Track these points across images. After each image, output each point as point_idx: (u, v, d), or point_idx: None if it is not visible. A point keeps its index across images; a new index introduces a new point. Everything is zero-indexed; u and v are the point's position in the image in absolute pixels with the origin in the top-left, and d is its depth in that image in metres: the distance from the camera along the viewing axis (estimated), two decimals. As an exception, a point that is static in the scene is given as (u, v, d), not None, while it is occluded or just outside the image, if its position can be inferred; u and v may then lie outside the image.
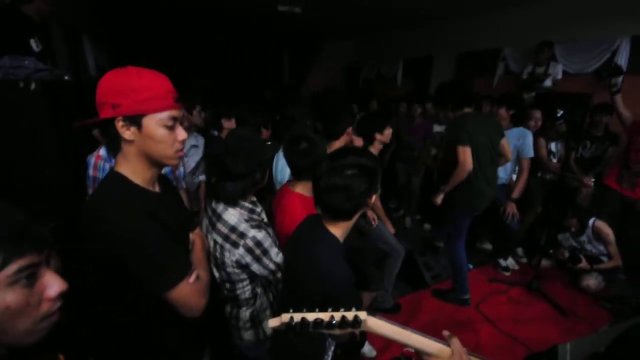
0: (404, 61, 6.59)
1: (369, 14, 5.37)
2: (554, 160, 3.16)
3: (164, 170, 1.80)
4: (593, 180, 3.05)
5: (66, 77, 1.66)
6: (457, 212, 2.34)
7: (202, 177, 2.29)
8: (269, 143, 1.29)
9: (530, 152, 2.72)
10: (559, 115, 3.05)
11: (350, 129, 1.97)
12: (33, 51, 1.73)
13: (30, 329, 0.49)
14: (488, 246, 3.48)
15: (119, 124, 0.79)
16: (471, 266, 3.11)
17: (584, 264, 2.60)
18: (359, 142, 2.25)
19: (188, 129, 2.12)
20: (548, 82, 3.81)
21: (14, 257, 0.45)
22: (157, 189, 0.93)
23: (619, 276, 2.83)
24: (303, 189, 1.44)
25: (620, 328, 0.49)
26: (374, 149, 2.16)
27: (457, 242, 2.39)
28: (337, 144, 1.92)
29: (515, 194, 2.73)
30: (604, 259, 2.65)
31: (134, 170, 0.85)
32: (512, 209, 2.72)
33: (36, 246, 0.49)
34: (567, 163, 3.17)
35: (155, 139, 0.82)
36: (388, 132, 2.14)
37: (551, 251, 2.92)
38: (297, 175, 1.46)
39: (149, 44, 7.58)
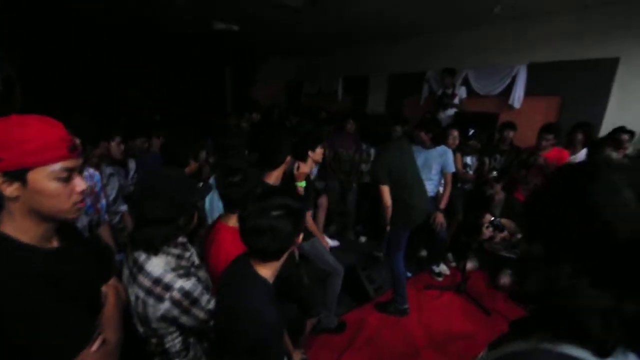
0: (344, 79, 6.92)
1: (307, 37, 5.56)
2: (470, 172, 3.58)
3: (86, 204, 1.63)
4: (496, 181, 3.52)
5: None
6: (395, 229, 2.51)
7: (123, 207, 2.12)
8: (202, 184, 1.25)
9: (452, 167, 3.05)
10: (470, 134, 3.48)
11: (289, 158, 1.97)
12: None
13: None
14: (424, 253, 3.77)
15: None
16: (410, 274, 3.32)
17: (505, 233, 2.95)
18: (305, 167, 2.25)
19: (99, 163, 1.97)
20: (456, 101, 4.39)
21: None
22: (54, 243, 0.84)
23: None
24: (237, 223, 1.41)
25: (495, 355, 0.57)
26: (307, 167, 2.19)
27: (396, 255, 2.56)
28: (276, 173, 1.90)
29: (442, 204, 3.03)
30: None
31: (21, 228, 0.76)
32: (440, 218, 3.00)
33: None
34: (482, 174, 3.61)
35: (46, 193, 0.75)
36: (320, 150, 2.19)
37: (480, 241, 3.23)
38: (231, 208, 1.43)
39: (72, 57, 6.85)
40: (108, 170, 2.02)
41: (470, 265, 3.28)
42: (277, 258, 1.03)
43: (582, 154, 3.10)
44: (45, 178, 0.74)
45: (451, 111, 4.55)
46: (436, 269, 3.27)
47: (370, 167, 2.68)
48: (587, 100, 3.48)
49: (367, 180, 4.11)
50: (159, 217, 1.09)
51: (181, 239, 1.25)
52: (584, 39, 3.45)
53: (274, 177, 1.87)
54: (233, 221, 1.41)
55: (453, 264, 3.52)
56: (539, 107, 3.94)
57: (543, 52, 3.79)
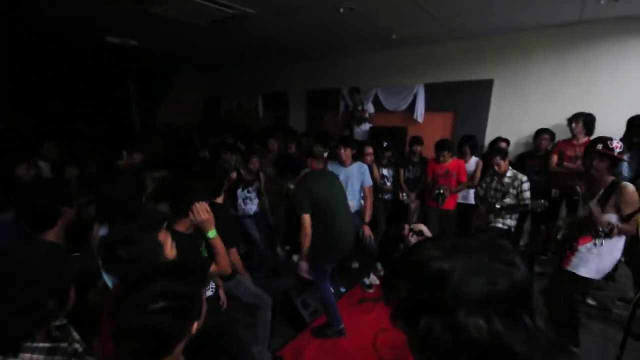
0: (263, 95, 6.82)
1: (216, 53, 5.31)
2: (388, 183, 3.83)
3: None
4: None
5: None
6: (321, 263, 2.48)
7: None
8: (77, 254, 1.00)
9: (369, 181, 3.19)
10: (384, 145, 3.74)
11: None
12: None
13: None
14: (355, 265, 3.86)
15: None
16: (343, 289, 3.36)
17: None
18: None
19: None
20: (367, 115, 4.77)
21: None
22: None
23: None
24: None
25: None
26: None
27: (322, 284, 2.53)
28: (184, 223, 1.68)
29: (367, 218, 3.15)
30: None
31: None
32: (367, 231, 3.10)
33: None
34: (399, 184, 3.90)
35: None
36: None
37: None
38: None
39: None
40: None
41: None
42: (171, 354, 0.81)
43: (472, 162, 3.61)
44: None
45: (366, 126, 4.86)
46: (367, 281, 3.36)
47: (291, 196, 2.60)
48: (473, 115, 4.09)
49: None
50: (15, 311, 0.83)
51: (59, 323, 0.98)
52: (467, 63, 4.06)
53: (185, 225, 1.66)
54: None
55: (382, 273, 3.68)
56: (439, 121, 4.47)
57: (436, 73, 4.33)
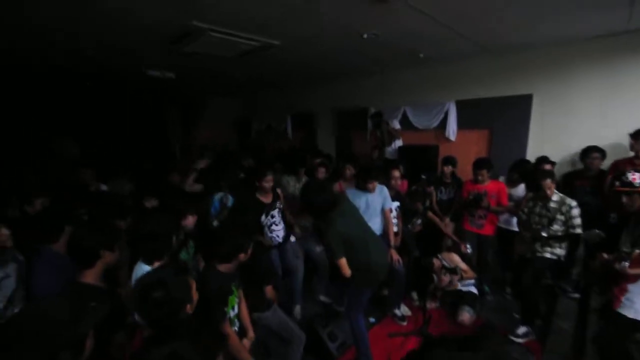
0: (291, 116, 6.95)
1: (246, 80, 5.52)
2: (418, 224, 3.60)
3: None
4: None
5: None
6: (358, 288, 2.37)
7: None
8: (93, 305, 1.02)
9: (390, 204, 3.04)
10: (423, 177, 3.62)
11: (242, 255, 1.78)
12: None
13: None
14: (385, 292, 3.68)
15: None
16: (373, 320, 3.19)
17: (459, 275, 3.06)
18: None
19: None
20: (398, 143, 4.64)
21: None
22: None
23: (487, 297, 3.38)
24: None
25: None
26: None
27: (357, 314, 2.41)
28: (225, 267, 1.74)
29: (393, 241, 3.01)
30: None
31: None
32: (395, 255, 2.94)
33: None
34: (431, 206, 3.71)
35: None
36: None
37: (439, 294, 3.25)
38: (154, 327, 1.19)
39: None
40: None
41: (431, 304, 3.25)
42: None
43: (521, 188, 3.33)
44: None
45: (397, 144, 4.73)
46: (398, 313, 3.17)
47: (325, 241, 2.45)
48: (511, 132, 3.82)
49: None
50: None
51: None
52: (502, 77, 3.84)
53: (226, 267, 1.73)
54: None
55: (417, 303, 3.47)
56: (473, 139, 4.23)
57: (469, 89, 4.14)
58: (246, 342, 1.85)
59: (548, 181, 2.67)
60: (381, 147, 4.80)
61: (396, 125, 4.76)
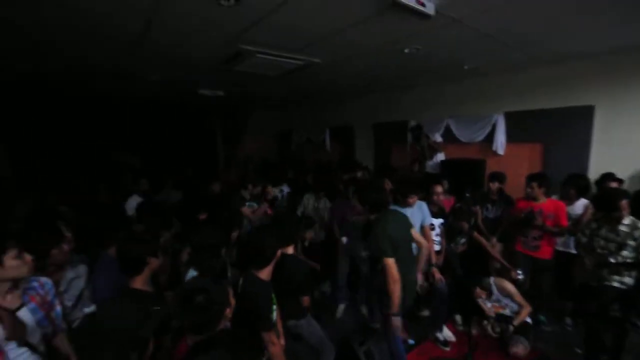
0: (330, 129, 7.05)
1: (290, 94, 5.74)
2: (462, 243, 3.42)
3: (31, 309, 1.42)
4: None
5: None
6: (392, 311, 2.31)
7: (87, 309, 1.91)
8: (156, 309, 1.11)
9: (429, 220, 2.92)
10: (467, 195, 3.45)
11: (279, 253, 1.89)
12: None
13: None
14: (426, 313, 3.50)
15: None
16: (412, 341, 3.05)
17: (510, 331, 2.74)
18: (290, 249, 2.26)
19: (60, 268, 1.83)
20: (441, 156, 4.48)
21: None
22: None
23: (543, 328, 3.08)
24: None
25: None
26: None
27: (394, 337, 2.33)
28: (268, 269, 1.84)
29: (434, 259, 2.87)
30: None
31: None
32: (437, 274, 2.80)
33: None
34: (477, 224, 3.49)
35: None
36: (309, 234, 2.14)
37: (484, 322, 3.01)
38: (195, 331, 1.27)
39: (67, 130, 7.22)
40: (70, 275, 1.86)
41: (477, 329, 3.02)
42: None
43: (579, 204, 3.03)
44: None
45: (438, 157, 4.57)
46: (440, 337, 2.99)
47: (371, 240, 2.42)
48: (568, 146, 3.51)
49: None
50: None
51: None
52: (557, 88, 3.56)
53: (265, 274, 1.83)
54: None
55: (461, 327, 3.25)
56: (524, 153, 3.95)
57: (519, 101, 3.90)
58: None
59: (624, 202, 2.37)
60: (422, 160, 4.67)
61: (438, 138, 4.60)
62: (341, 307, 3.57)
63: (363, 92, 5.67)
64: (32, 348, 1.41)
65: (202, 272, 1.81)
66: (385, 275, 2.13)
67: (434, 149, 4.55)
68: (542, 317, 3.13)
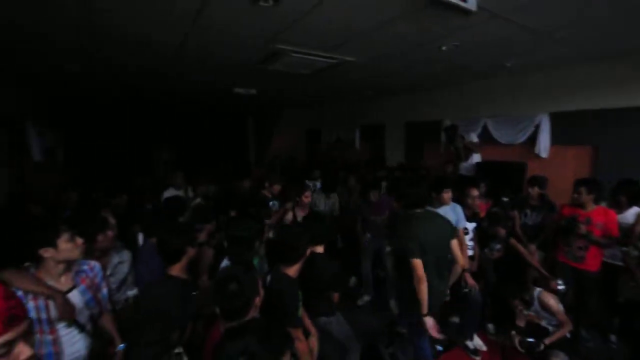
0: (361, 127, 6.99)
1: (321, 92, 5.75)
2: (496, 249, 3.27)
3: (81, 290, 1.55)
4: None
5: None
6: (417, 314, 2.26)
7: (131, 292, 2.06)
8: (194, 293, 1.19)
9: (464, 223, 2.81)
10: (504, 200, 3.28)
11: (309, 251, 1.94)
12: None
13: None
14: (455, 319, 3.39)
15: None
16: (440, 348, 2.97)
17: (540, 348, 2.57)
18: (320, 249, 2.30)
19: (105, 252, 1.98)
20: (476, 158, 4.29)
21: None
22: None
23: (585, 344, 2.88)
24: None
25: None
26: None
27: (420, 341, 2.29)
28: (297, 266, 1.88)
29: (466, 264, 2.75)
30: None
31: None
32: (470, 279, 2.70)
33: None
34: (514, 231, 3.31)
35: None
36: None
37: (513, 332, 2.86)
38: (228, 317, 1.34)
39: (110, 127, 7.81)
40: (116, 259, 2.02)
41: (511, 340, 2.88)
42: None
43: (631, 213, 2.78)
44: None
45: (474, 159, 4.38)
46: (471, 345, 2.89)
47: (398, 235, 2.40)
48: (623, 150, 3.22)
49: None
50: (152, 341, 1.02)
51: (177, 350, 1.17)
52: (611, 86, 3.28)
53: (293, 271, 1.86)
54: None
55: (493, 337, 3.12)
56: (571, 157, 3.70)
57: (566, 101, 3.63)
58: (313, 341, 1.93)
59: None
60: (456, 162, 4.51)
61: (474, 138, 4.41)
62: (365, 297, 3.75)
63: (396, 91, 5.56)
64: (80, 327, 1.55)
65: (235, 262, 1.89)
66: (412, 275, 2.09)
67: (469, 149, 4.38)
68: (584, 333, 2.91)
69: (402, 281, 2.36)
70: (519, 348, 2.55)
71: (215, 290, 1.32)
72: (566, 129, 3.66)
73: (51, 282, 1.46)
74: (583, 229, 2.70)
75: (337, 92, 5.69)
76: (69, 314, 1.46)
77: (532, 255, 3.18)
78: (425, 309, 2.11)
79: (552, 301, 2.60)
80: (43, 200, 3.29)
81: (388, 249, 3.62)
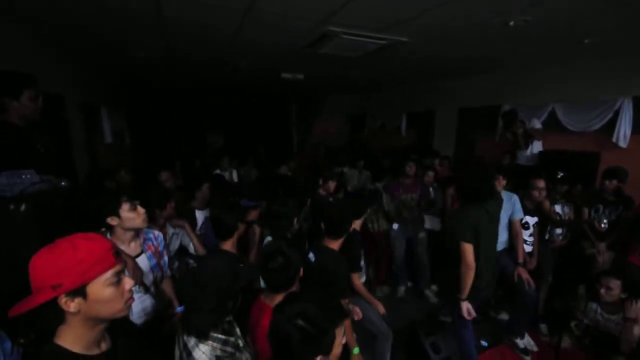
0: (407, 114, 6.72)
1: (368, 76, 5.59)
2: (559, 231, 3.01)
3: (148, 256, 1.73)
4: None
5: (63, 183, 1.72)
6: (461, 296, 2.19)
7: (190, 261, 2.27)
8: (242, 265, 1.27)
9: (520, 214, 2.63)
10: (559, 177, 2.96)
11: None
12: (39, 155, 1.78)
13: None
14: (504, 317, 3.22)
15: (62, 301, 0.78)
16: (485, 343, 2.86)
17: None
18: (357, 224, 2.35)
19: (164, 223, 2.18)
20: (538, 146, 3.94)
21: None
22: (103, 346, 0.91)
23: None
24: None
25: None
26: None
27: (462, 330, 2.22)
28: (340, 241, 1.95)
29: (520, 258, 2.61)
30: None
31: (77, 337, 0.84)
32: (524, 273, 2.55)
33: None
34: (581, 228, 3.00)
35: (104, 299, 0.83)
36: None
37: (573, 324, 2.63)
38: (274, 290, 1.41)
39: (167, 114, 8.49)
40: (171, 230, 2.22)
41: (565, 342, 2.66)
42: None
43: None
44: (101, 287, 0.83)
45: (535, 147, 3.99)
46: (521, 344, 2.72)
47: (451, 222, 2.34)
48: None
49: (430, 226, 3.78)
50: (209, 308, 1.12)
51: (229, 318, 1.27)
52: None
53: (337, 245, 1.93)
54: (277, 302, 1.38)
55: (546, 338, 2.91)
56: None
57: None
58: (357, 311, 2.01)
59: None
60: (514, 151, 4.13)
61: (537, 124, 3.98)
62: (401, 288, 3.71)
63: (450, 74, 5.17)
64: (146, 289, 1.74)
65: (276, 237, 1.99)
66: (460, 260, 2.04)
67: (530, 136, 3.96)
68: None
69: (446, 269, 2.31)
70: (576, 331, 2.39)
71: (264, 263, 1.40)
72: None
73: (123, 247, 1.64)
74: None
75: (386, 76, 5.47)
76: (138, 277, 1.63)
77: (602, 255, 2.87)
78: (465, 293, 2.08)
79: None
80: (117, 177, 3.67)
81: (422, 234, 3.58)
